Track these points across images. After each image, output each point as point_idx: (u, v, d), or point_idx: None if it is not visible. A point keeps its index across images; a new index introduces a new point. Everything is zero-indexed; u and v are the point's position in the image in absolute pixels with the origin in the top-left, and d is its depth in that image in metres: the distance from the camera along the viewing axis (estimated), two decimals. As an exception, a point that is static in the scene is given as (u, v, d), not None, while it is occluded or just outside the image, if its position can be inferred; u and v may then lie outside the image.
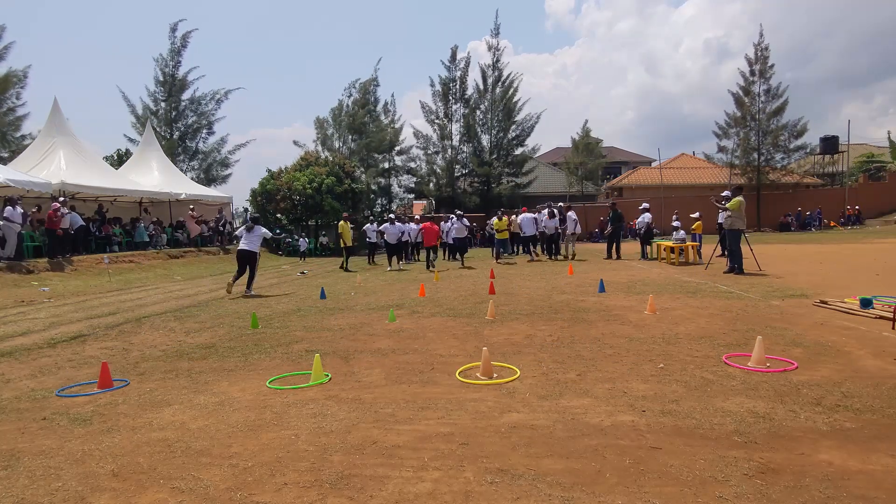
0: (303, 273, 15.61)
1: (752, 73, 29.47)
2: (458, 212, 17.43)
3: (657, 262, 13.68)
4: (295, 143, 51.13)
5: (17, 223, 13.31)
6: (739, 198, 10.16)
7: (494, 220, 17.25)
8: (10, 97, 24.32)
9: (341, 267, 16.01)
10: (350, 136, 32.33)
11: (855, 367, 3.99)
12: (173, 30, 28.58)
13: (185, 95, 29.31)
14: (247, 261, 10.00)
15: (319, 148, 32.17)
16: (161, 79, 28.67)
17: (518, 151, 32.68)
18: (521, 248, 18.70)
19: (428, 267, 14.63)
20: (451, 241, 17.15)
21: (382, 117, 33.88)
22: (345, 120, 32.32)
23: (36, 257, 14.16)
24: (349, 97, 33.10)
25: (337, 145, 32.41)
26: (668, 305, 6.93)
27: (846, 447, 2.66)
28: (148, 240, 18.58)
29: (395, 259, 15.86)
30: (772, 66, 29.13)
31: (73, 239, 15.39)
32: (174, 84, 28.66)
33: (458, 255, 16.67)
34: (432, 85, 31.96)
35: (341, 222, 16.80)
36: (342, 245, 16.62)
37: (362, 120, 31.93)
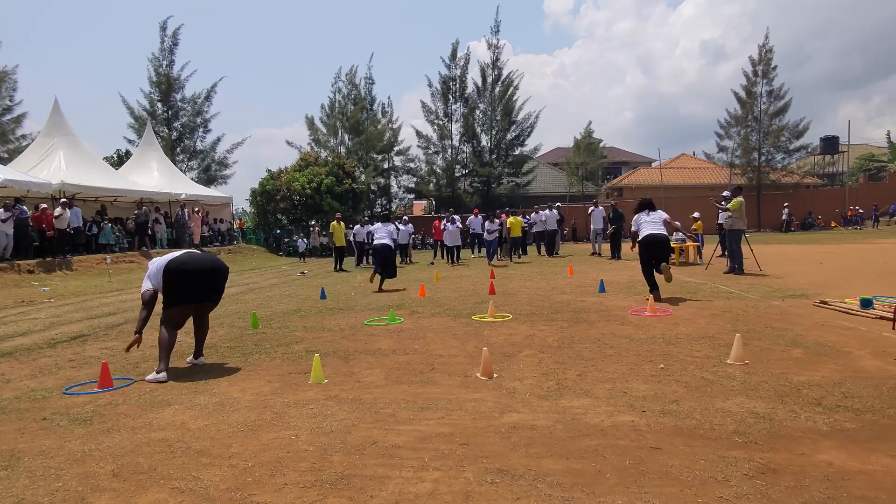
0: (303, 273, 15.61)
1: (756, 73, 29.51)
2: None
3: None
4: (288, 143, 50.96)
5: (8, 225, 13.21)
6: (740, 198, 10.15)
7: (511, 219, 16.98)
8: (4, 98, 24.39)
9: (335, 269, 16.02)
10: (346, 135, 32.26)
11: (855, 368, 3.98)
12: (163, 28, 28.44)
13: (181, 94, 29.26)
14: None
15: (314, 147, 32.09)
16: (155, 79, 28.58)
17: (518, 151, 32.67)
18: (478, 248, 18.92)
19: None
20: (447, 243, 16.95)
21: (380, 116, 33.85)
22: (338, 117, 32.23)
23: (38, 257, 14.18)
24: (338, 91, 33.04)
25: (331, 143, 32.32)
26: (669, 306, 6.92)
27: (846, 447, 2.65)
28: (114, 241, 17.65)
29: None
30: (774, 67, 29.25)
31: (73, 239, 15.40)
32: (169, 83, 28.56)
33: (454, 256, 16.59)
34: (430, 85, 31.97)
35: (333, 223, 16.82)
36: (333, 245, 16.64)
37: (356, 117, 31.85)
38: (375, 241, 10.61)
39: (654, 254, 7.51)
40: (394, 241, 10.64)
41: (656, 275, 7.55)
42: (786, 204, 29.67)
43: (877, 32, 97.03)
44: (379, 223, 11.32)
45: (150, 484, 2.55)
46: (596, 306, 7.13)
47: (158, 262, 4.63)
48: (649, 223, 7.64)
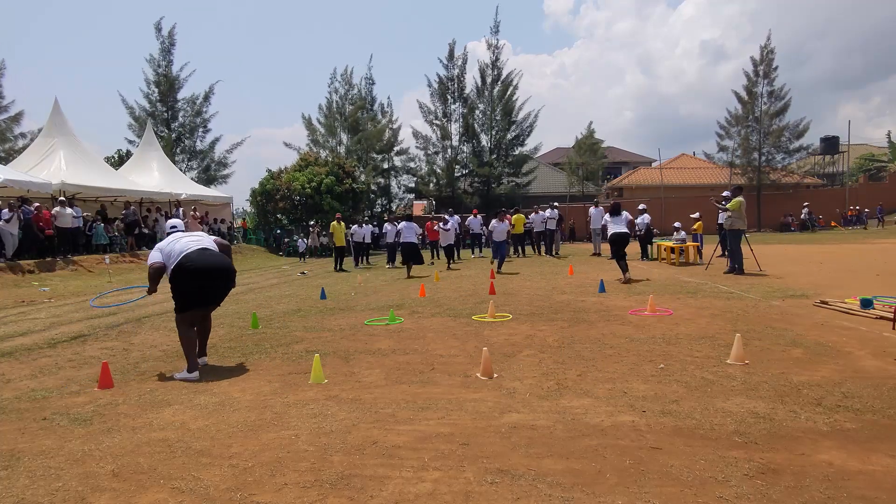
0: (303, 273, 15.60)
1: (757, 73, 29.54)
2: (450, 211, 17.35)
3: (657, 262, 13.68)
4: (286, 144, 51.54)
5: (13, 225, 13.18)
6: (740, 198, 10.15)
7: (514, 216, 16.68)
8: None
9: (335, 268, 16.01)
10: (344, 135, 32.21)
11: (855, 368, 3.98)
12: (158, 28, 28.29)
13: (180, 94, 29.18)
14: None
15: (312, 148, 32.04)
16: (154, 79, 28.51)
17: (518, 151, 32.62)
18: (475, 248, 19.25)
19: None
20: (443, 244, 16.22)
21: (379, 116, 33.81)
22: (335, 117, 32.19)
23: (38, 257, 14.16)
24: (335, 92, 32.95)
25: (330, 143, 32.26)
26: (669, 306, 6.92)
27: (846, 447, 2.66)
28: (107, 241, 17.17)
29: None
30: (776, 67, 29.31)
31: (74, 239, 15.39)
32: (168, 83, 28.46)
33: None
34: (429, 85, 31.90)
35: (333, 223, 16.83)
36: (333, 245, 16.67)
37: (355, 117, 31.78)
38: (403, 240, 12.94)
39: (618, 246, 9.81)
40: (418, 236, 13.16)
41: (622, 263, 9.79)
42: (805, 203, 29.52)
43: (877, 32, 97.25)
44: (403, 222, 13.24)
45: (150, 484, 2.55)
46: (596, 306, 7.13)
47: (173, 243, 4.53)
48: (614, 223, 9.85)
